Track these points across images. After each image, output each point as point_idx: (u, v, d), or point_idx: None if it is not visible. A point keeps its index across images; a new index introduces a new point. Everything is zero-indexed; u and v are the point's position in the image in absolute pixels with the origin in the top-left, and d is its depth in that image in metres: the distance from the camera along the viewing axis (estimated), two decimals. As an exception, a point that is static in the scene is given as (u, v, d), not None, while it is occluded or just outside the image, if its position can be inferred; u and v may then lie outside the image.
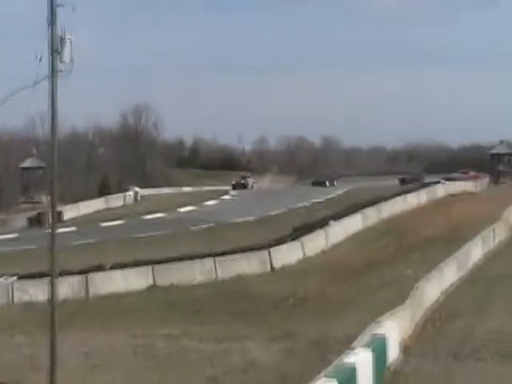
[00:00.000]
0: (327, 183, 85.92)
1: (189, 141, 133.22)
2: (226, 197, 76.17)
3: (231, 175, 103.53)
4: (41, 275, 27.99)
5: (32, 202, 71.61)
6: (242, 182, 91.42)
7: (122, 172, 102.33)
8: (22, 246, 42.59)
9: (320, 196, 64.76)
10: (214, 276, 32.84)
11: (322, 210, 49.11)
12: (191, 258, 33.28)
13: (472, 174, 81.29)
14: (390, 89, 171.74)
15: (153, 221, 54.25)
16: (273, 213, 52.03)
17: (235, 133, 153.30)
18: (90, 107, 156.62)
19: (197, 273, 32.63)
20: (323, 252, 37.77)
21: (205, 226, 47.14)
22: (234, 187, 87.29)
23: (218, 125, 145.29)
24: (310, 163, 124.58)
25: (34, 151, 79.27)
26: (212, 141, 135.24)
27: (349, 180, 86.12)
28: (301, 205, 56.92)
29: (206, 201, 68.26)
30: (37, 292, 29.39)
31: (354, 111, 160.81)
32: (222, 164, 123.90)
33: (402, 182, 79.68)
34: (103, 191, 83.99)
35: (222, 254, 33.80)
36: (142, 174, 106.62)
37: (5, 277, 31.49)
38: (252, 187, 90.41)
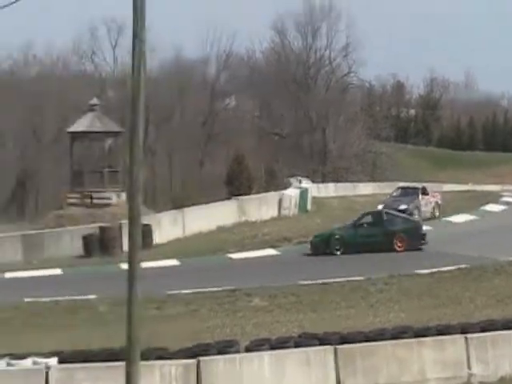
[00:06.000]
0: None
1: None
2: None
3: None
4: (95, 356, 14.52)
5: (88, 202, 42.16)
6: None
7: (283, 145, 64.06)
8: (67, 294, 24.82)
9: None
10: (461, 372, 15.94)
11: None
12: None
13: None
14: None
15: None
16: None
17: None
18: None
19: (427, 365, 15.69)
20: None
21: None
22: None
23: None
24: None
25: (95, 101, 45.26)
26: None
27: None
28: None
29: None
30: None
31: None
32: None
33: None
34: (234, 184, 46.38)
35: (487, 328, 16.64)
36: (318, 152, 68.94)
37: (35, 359, 14.87)
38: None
